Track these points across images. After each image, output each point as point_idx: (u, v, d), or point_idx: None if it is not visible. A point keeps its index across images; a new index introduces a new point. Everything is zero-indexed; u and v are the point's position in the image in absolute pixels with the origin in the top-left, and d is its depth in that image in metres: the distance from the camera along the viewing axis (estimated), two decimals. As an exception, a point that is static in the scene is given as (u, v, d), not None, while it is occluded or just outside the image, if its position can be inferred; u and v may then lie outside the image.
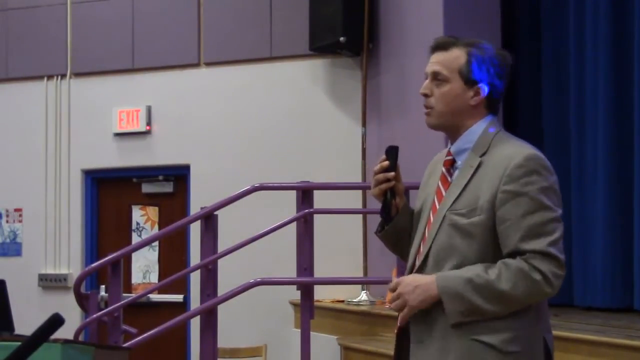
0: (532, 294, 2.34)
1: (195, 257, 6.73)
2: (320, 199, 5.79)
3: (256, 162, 7.40)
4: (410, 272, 2.49)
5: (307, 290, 5.57)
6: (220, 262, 5.58)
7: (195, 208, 6.98)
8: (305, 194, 5.64)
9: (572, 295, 6.10)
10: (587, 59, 6.00)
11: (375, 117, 6.97)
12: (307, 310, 5.55)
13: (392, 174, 2.47)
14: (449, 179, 2.49)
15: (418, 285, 2.38)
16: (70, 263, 7.99)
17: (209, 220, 5.56)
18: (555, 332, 4.60)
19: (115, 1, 8.03)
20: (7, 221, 8.27)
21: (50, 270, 8.03)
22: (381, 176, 2.48)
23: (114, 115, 7.91)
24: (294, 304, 6.86)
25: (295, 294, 5.95)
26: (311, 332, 5.57)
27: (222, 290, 5.54)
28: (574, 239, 6.12)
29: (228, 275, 5.88)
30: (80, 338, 6.03)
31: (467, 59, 2.48)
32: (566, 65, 6.25)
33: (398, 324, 2.50)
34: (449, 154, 2.53)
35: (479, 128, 2.50)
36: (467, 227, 2.39)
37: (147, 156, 7.88)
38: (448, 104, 2.47)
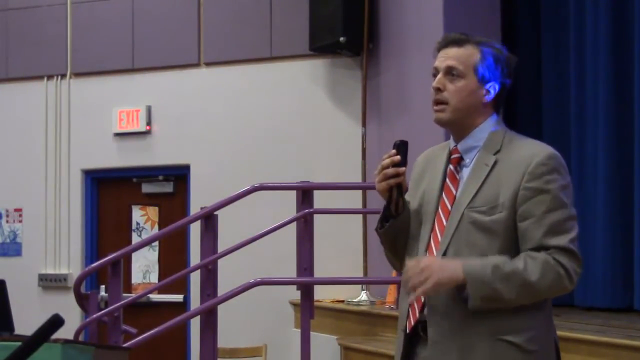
0: (555, 287, 2.36)
1: (195, 257, 6.73)
2: (320, 199, 5.79)
3: (256, 162, 7.40)
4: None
5: (307, 290, 5.57)
6: (220, 262, 5.58)
7: (195, 208, 6.98)
8: (305, 194, 5.64)
9: (572, 295, 6.09)
10: (587, 59, 6.00)
11: (375, 117, 6.97)
12: (307, 310, 5.55)
13: (404, 169, 2.42)
14: (457, 176, 2.49)
15: (444, 264, 2.35)
16: (70, 263, 7.99)
17: (209, 220, 5.56)
18: (555, 332, 4.60)
19: (115, 1, 8.03)
20: (7, 221, 8.27)
21: (50, 270, 8.03)
22: (392, 170, 2.41)
23: (114, 115, 7.91)
24: (294, 304, 6.86)
25: (295, 294, 5.95)
26: (311, 332, 5.56)
27: (222, 290, 5.54)
28: (574, 238, 6.12)
29: (228, 275, 5.88)
30: (80, 338, 6.03)
31: (482, 57, 2.49)
32: (566, 65, 6.24)
33: (411, 314, 2.46)
34: (455, 151, 2.51)
35: (487, 126, 2.50)
36: (488, 224, 2.39)
37: (147, 156, 7.88)
38: (463, 99, 2.46)
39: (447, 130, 2.58)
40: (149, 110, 7.84)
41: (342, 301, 6.71)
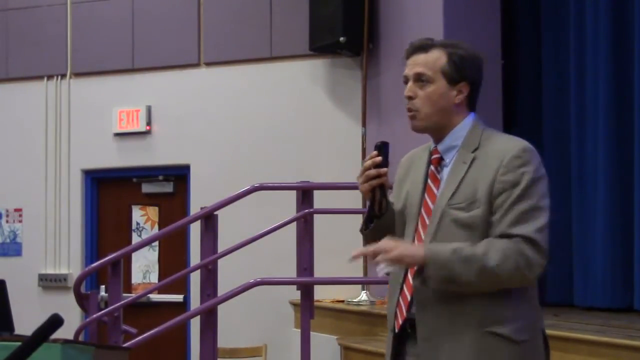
0: (514, 275, 2.38)
1: (195, 257, 6.73)
2: (320, 199, 5.79)
3: (256, 162, 7.40)
4: (405, 273, 2.52)
5: (307, 290, 5.58)
6: (220, 262, 5.58)
7: (195, 208, 6.98)
8: (305, 194, 5.64)
9: (572, 295, 6.10)
10: (587, 59, 6.00)
11: (375, 117, 6.97)
12: (307, 310, 5.55)
13: (385, 170, 2.47)
14: (438, 176, 2.54)
15: (409, 245, 2.45)
16: (70, 263, 7.99)
17: (209, 220, 5.56)
18: (555, 332, 4.62)
19: (115, 1, 8.03)
20: (7, 221, 8.27)
21: (50, 270, 8.03)
22: (374, 171, 2.46)
23: (114, 115, 7.91)
24: (294, 304, 6.86)
25: (295, 294, 5.95)
26: (311, 332, 5.57)
27: (222, 290, 5.55)
28: (574, 239, 6.12)
29: (228, 275, 5.88)
30: (80, 338, 6.03)
31: (448, 59, 2.53)
32: (566, 65, 6.24)
33: (398, 314, 2.51)
34: (435, 152, 2.56)
35: (465, 125, 2.55)
36: (467, 220, 2.44)
37: (147, 156, 7.88)
38: (434, 104, 2.51)
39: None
40: (149, 110, 7.84)
41: (342, 301, 6.71)
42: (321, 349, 6.17)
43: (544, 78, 6.54)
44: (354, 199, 6.80)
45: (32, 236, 8.10)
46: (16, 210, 8.23)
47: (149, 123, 7.83)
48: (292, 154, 7.36)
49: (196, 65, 7.80)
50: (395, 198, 2.62)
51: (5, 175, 8.22)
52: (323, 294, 6.67)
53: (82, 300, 5.84)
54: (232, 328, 6.76)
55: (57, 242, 8.02)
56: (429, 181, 2.54)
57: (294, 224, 5.63)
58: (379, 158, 2.46)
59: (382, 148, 2.48)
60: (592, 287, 5.85)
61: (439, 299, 2.42)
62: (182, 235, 7.52)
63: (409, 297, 2.49)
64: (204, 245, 5.56)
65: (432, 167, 2.55)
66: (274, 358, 6.89)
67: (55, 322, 1.91)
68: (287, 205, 5.98)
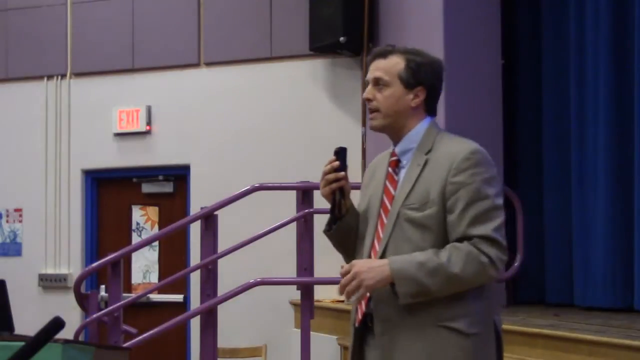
0: (479, 276, 2.50)
1: (195, 257, 6.73)
2: (320, 199, 5.76)
3: (256, 162, 7.40)
4: None
5: (307, 290, 5.57)
6: (220, 262, 5.58)
7: (195, 208, 6.98)
8: (305, 194, 5.64)
9: (572, 295, 6.10)
10: (587, 58, 6.00)
11: (375, 117, 6.96)
12: (307, 310, 5.55)
13: (343, 173, 2.65)
14: (396, 177, 2.68)
15: (372, 267, 2.51)
16: (70, 263, 7.99)
17: (209, 220, 5.56)
18: (555, 332, 4.62)
19: (115, 1, 8.03)
20: (7, 221, 8.27)
21: (50, 270, 8.03)
22: (332, 176, 2.66)
23: (114, 115, 7.92)
24: (294, 304, 6.86)
25: (295, 294, 5.95)
26: (311, 332, 5.57)
27: (222, 290, 5.54)
28: (574, 239, 6.12)
29: (228, 275, 5.88)
30: (80, 338, 6.03)
31: (406, 64, 2.68)
32: (566, 65, 6.24)
33: (359, 308, 2.66)
34: (393, 154, 2.71)
35: (421, 129, 2.68)
36: (421, 220, 2.57)
37: (147, 156, 7.88)
38: (391, 106, 2.66)
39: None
40: (149, 110, 7.84)
41: (342, 301, 6.70)
42: (321, 349, 6.17)
43: (544, 78, 6.54)
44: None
45: (32, 236, 8.10)
46: (16, 210, 8.23)
47: (149, 123, 7.83)
48: (292, 154, 7.36)
49: (196, 65, 7.80)
50: (361, 201, 2.79)
51: (5, 175, 8.22)
52: (323, 294, 6.66)
53: (82, 300, 5.83)
54: (232, 328, 6.76)
55: (57, 242, 8.02)
56: (387, 182, 2.69)
57: (294, 224, 5.63)
58: (337, 163, 2.67)
59: (340, 153, 2.68)
60: (592, 287, 5.85)
61: (394, 295, 2.51)
62: (182, 235, 7.52)
63: (368, 293, 2.61)
64: (204, 245, 5.56)
65: (389, 169, 2.70)
66: (274, 358, 6.90)
67: (56, 325, 1.91)
68: (287, 205, 5.98)
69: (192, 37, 7.77)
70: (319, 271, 5.76)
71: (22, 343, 1.99)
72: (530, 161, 6.67)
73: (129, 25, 7.94)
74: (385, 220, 2.62)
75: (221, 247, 5.58)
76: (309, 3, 7.10)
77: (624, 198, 5.73)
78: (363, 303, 2.64)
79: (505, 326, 4.86)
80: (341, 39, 6.86)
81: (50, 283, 7.96)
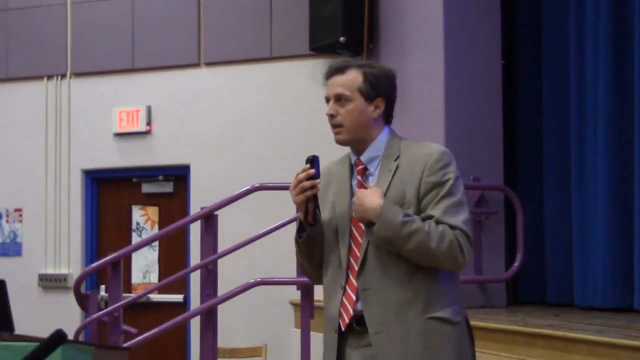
0: (448, 255, 2.61)
1: (195, 257, 6.73)
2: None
3: (256, 162, 7.40)
4: (347, 274, 2.73)
5: (307, 290, 5.58)
6: (220, 262, 5.58)
7: (195, 208, 6.99)
8: (305, 194, 5.63)
9: (572, 295, 6.10)
10: (587, 59, 6.00)
11: (375, 117, 6.96)
12: (307, 310, 5.55)
13: (319, 180, 2.73)
14: (366, 184, 2.76)
15: (361, 204, 2.64)
16: (70, 263, 7.99)
17: (209, 220, 5.56)
18: (555, 332, 4.62)
19: (115, 1, 8.03)
20: (7, 221, 8.27)
21: (50, 270, 8.03)
22: (308, 183, 2.72)
23: (114, 115, 7.92)
24: (294, 304, 6.86)
25: (295, 294, 5.95)
26: (311, 332, 5.57)
27: (222, 290, 5.55)
28: (574, 238, 6.12)
29: (228, 275, 5.89)
30: (80, 338, 6.04)
31: (364, 78, 2.77)
32: (566, 65, 6.24)
33: (344, 312, 2.71)
34: (359, 163, 2.79)
35: (383, 137, 2.80)
36: None
37: (147, 156, 7.88)
38: (354, 119, 2.76)
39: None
40: (149, 110, 7.85)
41: (342, 301, 6.69)
42: (321, 349, 6.16)
43: (544, 78, 6.54)
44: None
45: (32, 236, 8.11)
46: (16, 210, 8.23)
47: (149, 123, 7.84)
48: (292, 154, 7.35)
49: (196, 65, 7.80)
50: (321, 207, 2.81)
51: (5, 175, 8.22)
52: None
53: (82, 300, 5.84)
54: (232, 328, 6.76)
55: (57, 242, 8.02)
56: (357, 190, 2.73)
57: (294, 224, 5.62)
58: (312, 170, 2.73)
59: (314, 161, 2.74)
60: (592, 287, 5.85)
61: (385, 294, 2.64)
62: (182, 235, 7.52)
63: (354, 297, 2.70)
64: (204, 245, 5.56)
65: (358, 177, 2.78)
66: (274, 358, 6.90)
67: (58, 338, 1.91)
68: (287, 205, 5.96)
69: (192, 37, 7.78)
70: (319, 271, 5.76)
71: (22, 343, 1.99)
72: (530, 161, 6.67)
73: (129, 25, 7.94)
74: (362, 226, 2.69)
75: (221, 247, 5.58)
76: (309, 3, 7.10)
77: (624, 198, 5.73)
78: (349, 307, 2.71)
79: (505, 326, 4.89)
80: (341, 39, 6.86)
81: (50, 283, 7.96)
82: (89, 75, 8.09)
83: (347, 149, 2.89)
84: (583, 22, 6.06)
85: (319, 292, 6.04)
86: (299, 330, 5.70)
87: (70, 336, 5.62)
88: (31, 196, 8.12)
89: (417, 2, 6.54)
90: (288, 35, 7.45)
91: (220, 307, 5.57)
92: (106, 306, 5.77)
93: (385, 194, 2.67)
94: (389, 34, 6.92)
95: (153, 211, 7.98)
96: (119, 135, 7.93)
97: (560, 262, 6.28)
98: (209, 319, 5.48)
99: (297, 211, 5.54)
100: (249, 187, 5.73)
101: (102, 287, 7.27)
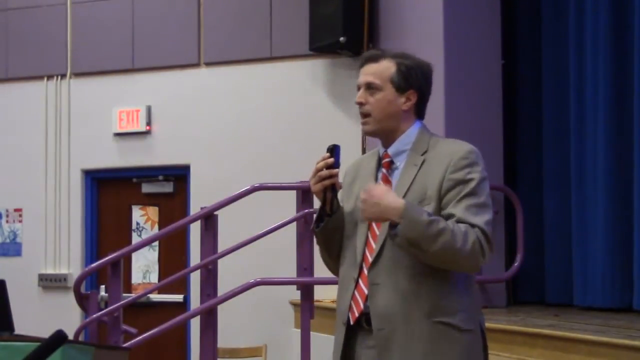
0: (470, 255, 2.53)
1: (195, 257, 6.73)
2: (320, 199, 5.78)
3: (256, 162, 7.40)
4: (360, 268, 2.68)
5: (307, 290, 5.58)
6: (220, 262, 5.58)
7: (195, 208, 6.99)
8: (305, 194, 5.64)
9: (572, 295, 6.10)
10: (587, 59, 6.00)
11: (375, 117, 6.97)
12: (307, 310, 5.55)
13: (337, 170, 2.65)
14: (390, 178, 2.72)
15: (379, 203, 2.54)
16: (70, 263, 7.99)
17: (209, 220, 5.56)
18: (555, 332, 4.62)
19: (115, 1, 8.04)
20: (7, 221, 8.27)
21: (50, 270, 8.03)
22: (326, 172, 2.64)
23: (114, 115, 7.92)
24: (294, 304, 6.86)
25: (295, 294, 5.95)
26: (311, 332, 5.57)
27: (222, 290, 5.55)
28: (574, 238, 6.12)
29: (228, 275, 5.89)
30: (80, 338, 6.04)
31: (397, 68, 2.72)
32: (566, 65, 6.24)
33: (354, 306, 2.66)
34: (386, 156, 2.74)
35: (414, 131, 2.74)
36: None
37: (147, 156, 7.88)
38: (383, 109, 2.70)
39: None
40: (149, 110, 7.85)
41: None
42: (321, 349, 6.16)
43: (544, 78, 6.55)
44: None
45: (32, 236, 8.11)
46: (16, 210, 8.23)
47: (149, 123, 7.84)
48: (292, 154, 7.36)
49: (196, 65, 7.80)
50: (345, 200, 2.81)
51: (5, 175, 8.22)
52: (323, 294, 6.66)
53: (82, 300, 5.84)
54: (232, 328, 6.76)
55: (57, 242, 8.02)
56: (381, 183, 2.71)
57: (294, 224, 5.63)
58: (332, 159, 2.64)
59: (334, 150, 2.66)
60: (592, 287, 5.85)
61: (392, 294, 2.58)
62: (182, 235, 7.52)
63: (365, 291, 2.65)
64: (204, 245, 5.56)
65: (383, 170, 2.73)
66: (274, 358, 6.90)
67: (58, 339, 1.91)
68: (287, 205, 5.98)
69: (192, 37, 7.78)
70: (319, 271, 5.75)
71: (22, 343, 1.99)
72: (530, 161, 6.67)
73: (129, 25, 7.95)
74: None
75: (221, 247, 5.58)
76: (309, 3, 7.11)
77: (623, 198, 5.73)
78: (360, 302, 2.66)
79: (505, 326, 4.89)
80: (341, 39, 6.86)
81: (50, 283, 7.96)
82: (89, 75, 8.09)
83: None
84: (583, 22, 6.06)
85: (319, 292, 6.06)
86: (299, 330, 5.70)
87: (70, 336, 5.62)
88: (31, 196, 8.12)
89: (417, 2, 6.54)
90: (288, 35, 7.45)
91: (220, 307, 5.57)
92: (106, 306, 5.77)
93: (408, 189, 2.63)
94: (389, 34, 6.92)
95: (153, 211, 7.98)
96: (119, 135, 7.93)
97: (560, 262, 6.28)
98: (209, 319, 5.48)
99: (298, 210, 5.56)
100: (249, 187, 5.74)
101: (102, 287, 7.27)
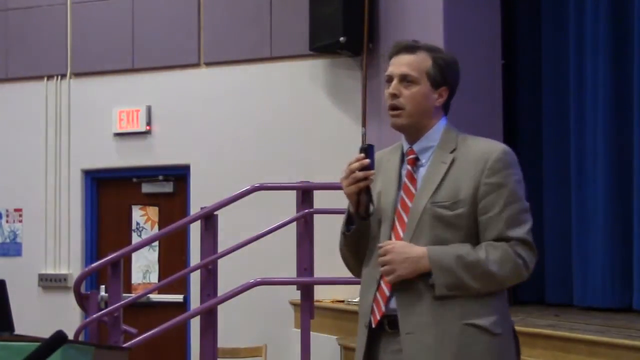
0: (513, 276, 2.51)
1: (195, 257, 6.73)
2: (320, 199, 5.79)
3: (256, 162, 7.40)
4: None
5: (307, 290, 5.58)
6: (220, 262, 5.58)
7: (195, 208, 6.99)
8: (305, 194, 5.64)
9: (572, 295, 6.10)
10: (587, 59, 6.00)
11: (375, 117, 6.97)
12: (307, 310, 5.56)
13: (373, 172, 2.53)
14: (415, 175, 2.60)
15: (409, 257, 2.48)
16: (70, 263, 7.99)
17: (209, 220, 5.56)
18: (555, 332, 4.62)
19: (115, 1, 8.03)
20: (7, 221, 8.27)
21: (50, 270, 8.03)
22: (362, 174, 2.52)
23: (114, 115, 7.92)
24: (294, 304, 6.86)
25: (295, 294, 5.95)
26: (311, 332, 5.57)
27: (222, 290, 5.55)
28: (573, 239, 6.12)
29: (228, 275, 5.89)
30: (80, 338, 6.04)
31: (433, 63, 2.61)
32: (566, 65, 6.25)
33: (375, 309, 2.55)
34: (411, 152, 2.62)
35: (440, 127, 2.63)
36: (451, 219, 2.51)
37: (147, 156, 7.88)
38: (418, 104, 2.59)
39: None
40: (149, 110, 7.85)
41: (342, 301, 6.71)
42: (321, 349, 6.17)
43: (544, 78, 6.54)
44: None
45: (32, 236, 8.11)
46: (16, 210, 8.23)
47: (149, 123, 7.84)
48: (292, 154, 7.36)
49: (196, 65, 7.80)
50: None
51: (5, 175, 8.22)
52: (323, 294, 6.67)
53: (82, 300, 5.84)
54: (232, 328, 6.76)
55: (57, 242, 8.02)
56: (406, 180, 2.60)
57: (294, 224, 5.63)
58: (367, 160, 2.52)
59: (369, 150, 2.53)
60: (592, 287, 5.86)
61: (419, 294, 2.49)
62: (182, 235, 7.52)
63: (387, 293, 2.54)
64: (204, 245, 5.56)
65: (408, 167, 2.61)
66: (274, 358, 6.89)
67: (58, 339, 1.91)
68: (287, 205, 5.98)
69: (192, 37, 7.78)
70: (319, 271, 5.77)
71: (22, 343, 1.99)
72: (530, 161, 6.66)
73: (129, 25, 7.94)
74: (405, 218, 2.55)
75: (221, 247, 5.58)
76: (309, 3, 7.10)
77: (623, 198, 5.73)
78: (382, 304, 2.55)
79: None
80: (341, 39, 6.86)
81: (50, 283, 7.96)
82: (89, 75, 8.09)
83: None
84: (583, 22, 6.06)
85: (319, 292, 6.06)
86: (299, 330, 5.70)
87: (70, 336, 5.62)
88: (31, 196, 8.12)
89: (417, 2, 6.54)
90: (288, 35, 7.45)
91: (220, 307, 5.57)
92: (106, 306, 5.77)
93: (437, 187, 2.52)
94: (389, 34, 6.92)
95: (153, 211, 7.98)
96: (119, 135, 7.93)
97: (560, 262, 6.28)
98: (209, 319, 5.48)
99: (298, 210, 5.56)
100: (249, 187, 5.74)
101: (102, 287, 7.27)
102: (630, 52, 5.69)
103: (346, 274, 6.94)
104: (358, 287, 6.76)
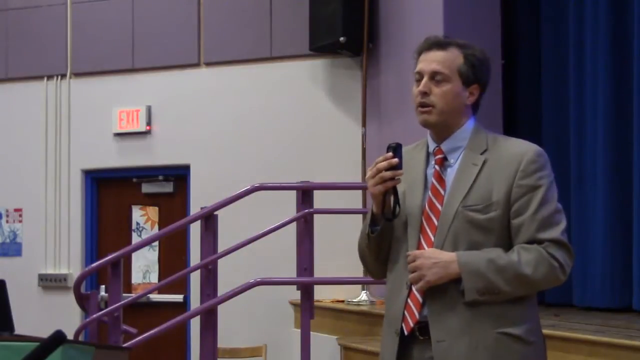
0: (549, 279, 2.45)
1: (195, 257, 6.74)
2: (320, 199, 5.79)
3: (256, 162, 7.40)
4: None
5: (307, 290, 5.58)
6: (220, 262, 5.58)
7: (195, 208, 6.99)
8: (305, 194, 5.64)
9: (572, 295, 6.10)
10: (587, 59, 6.00)
11: (375, 117, 6.97)
12: (307, 310, 5.56)
13: (402, 172, 2.44)
14: (443, 176, 2.52)
15: (437, 262, 2.41)
16: (70, 263, 7.99)
17: (209, 220, 5.56)
18: (555, 332, 4.62)
19: (115, 1, 8.03)
20: (7, 221, 8.27)
21: (50, 270, 8.03)
22: (390, 173, 2.42)
23: (114, 115, 7.92)
24: (294, 304, 6.86)
25: (295, 294, 5.95)
26: (311, 332, 5.57)
27: (222, 290, 5.55)
28: (573, 239, 6.11)
29: (228, 275, 5.89)
30: (80, 338, 6.04)
31: (465, 60, 2.52)
32: (566, 65, 6.25)
33: (408, 316, 2.46)
34: (439, 152, 2.54)
35: (469, 127, 2.55)
36: (484, 223, 2.45)
37: (147, 156, 7.88)
38: (449, 102, 2.50)
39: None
40: (149, 110, 7.85)
41: (342, 301, 6.71)
42: (321, 349, 6.17)
43: (544, 78, 6.55)
44: (354, 199, 6.81)
45: (32, 236, 8.11)
46: (16, 210, 8.23)
47: (149, 123, 7.84)
48: (292, 154, 7.36)
49: (196, 65, 7.80)
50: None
51: (5, 175, 8.22)
52: (323, 294, 6.67)
53: (82, 300, 5.84)
54: (232, 328, 6.76)
55: (57, 242, 8.02)
56: (434, 181, 2.51)
57: (294, 224, 5.64)
58: (396, 160, 2.42)
59: (397, 149, 2.44)
60: (591, 287, 5.86)
61: (452, 302, 2.42)
62: (182, 235, 7.52)
63: (420, 299, 2.46)
64: (204, 245, 5.56)
65: (436, 167, 2.53)
66: (274, 358, 6.90)
67: (57, 339, 1.91)
68: (287, 205, 5.98)
69: (192, 37, 7.77)
70: (319, 271, 5.77)
71: (22, 343, 1.99)
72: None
73: (129, 25, 7.94)
74: (435, 221, 2.46)
75: (221, 247, 5.58)
76: (309, 3, 7.10)
77: (623, 199, 5.73)
78: (415, 311, 2.46)
79: (505, 326, 4.88)
80: (341, 39, 6.86)
81: (50, 283, 7.96)
82: (89, 75, 8.09)
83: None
84: (583, 22, 6.06)
85: (319, 292, 6.06)
86: (299, 330, 5.70)
87: (70, 336, 5.62)
88: (31, 196, 8.12)
89: (417, 3, 6.54)
90: (288, 35, 7.45)
91: (220, 307, 5.57)
92: (106, 306, 5.77)
93: (469, 190, 2.45)
94: (389, 34, 6.92)
95: (153, 211, 7.98)
96: (119, 135, 7.93)
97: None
98: (209, 319, 5.48)
99: (298, 210, 5.56)
100: (249, 187, 5.74)
101: (102, 287, 7.27)
102: (630, 52, 5.69)
103: (346, 274, 6.96)
104: (358, 287, 6.77)
